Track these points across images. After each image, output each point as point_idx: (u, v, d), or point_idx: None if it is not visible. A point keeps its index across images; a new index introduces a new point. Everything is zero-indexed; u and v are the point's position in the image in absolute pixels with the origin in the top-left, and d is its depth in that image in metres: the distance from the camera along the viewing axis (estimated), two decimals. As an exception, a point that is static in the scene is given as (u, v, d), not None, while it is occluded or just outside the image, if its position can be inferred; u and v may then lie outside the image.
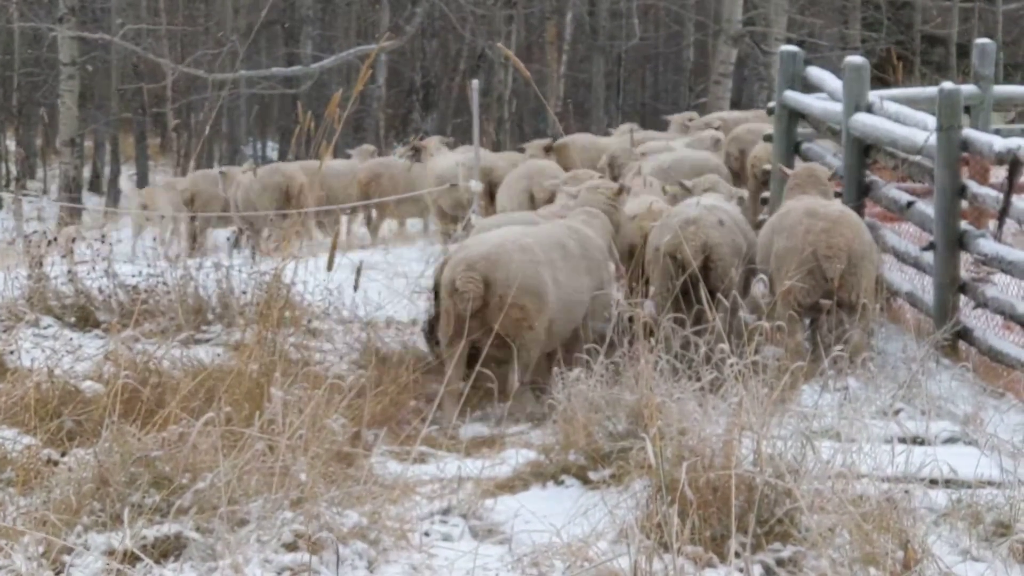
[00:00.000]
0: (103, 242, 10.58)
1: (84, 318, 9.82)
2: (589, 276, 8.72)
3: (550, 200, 11.18)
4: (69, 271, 10.12)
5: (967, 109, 10.95)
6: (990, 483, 6.15)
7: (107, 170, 31.75)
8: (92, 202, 29.06)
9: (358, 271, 6.61)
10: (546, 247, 8.51)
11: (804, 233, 8.67)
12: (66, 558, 5.05)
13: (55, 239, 10.63)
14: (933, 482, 5.98)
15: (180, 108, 29.10)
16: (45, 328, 9.44)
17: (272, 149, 35.18)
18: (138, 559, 4.97)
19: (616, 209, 9.57)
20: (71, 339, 8.91)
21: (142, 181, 30.32)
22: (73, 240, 11.16)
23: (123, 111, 32.33)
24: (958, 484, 6.08)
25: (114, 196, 29.60)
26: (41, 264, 10.19)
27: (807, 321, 9.08)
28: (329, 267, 6.35)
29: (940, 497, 5.93)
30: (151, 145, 34.89)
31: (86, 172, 30.11)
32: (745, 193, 12.37)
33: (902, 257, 9.88)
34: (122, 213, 18.78)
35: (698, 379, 6.11)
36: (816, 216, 8.76)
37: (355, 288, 6.96)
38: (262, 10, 27.26)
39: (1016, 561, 5.39)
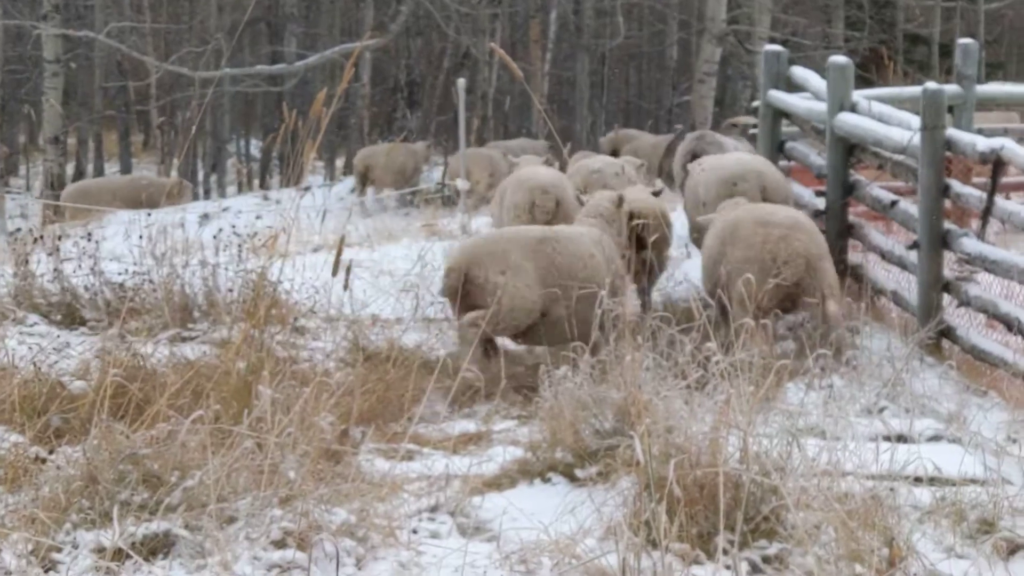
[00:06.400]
0: (89, 240, 10.53)
1: (70, 316, 9.78)
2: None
3: None
4: (55, 268, 10.09)
5: (950, 108, 11.01)
6: (974, 481, 6.19)
7: (91, 167, 31.64)
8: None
9: (348, 270, 6.59)
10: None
11: (761, 243, 8.71)
12: (55, 556, 5.06)
13: (41, 237, 10.58)
14: (917, 480, 6.03)
15: (164, 106, 29.00)
16: (31, 326, 9.42)
17: (256, 147, 35.10)
18: (127, 557, 4.99)
19: None
20: (57, 336, 8.90)
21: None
22: (59, 237, 11.11)
23: (107, 108, 32.25)
24: (942, 482, 6.13)
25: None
26: (27, 262, 10.15)
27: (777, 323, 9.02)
28: (334, 272, 6.33)
29: (924, 495, 5.97)
30: (135, 143, 34.83)
31: (69, 169, 29.99)
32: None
33: (887, 256, 9.92)
34: (104, 210, 18.68)
35: (684, 377, 6.14)
36: (770, 224, 8.78)
37: (344, 287, 6.93)
38: (246, 8, 27.19)
39: (999, 558, 5.42)
